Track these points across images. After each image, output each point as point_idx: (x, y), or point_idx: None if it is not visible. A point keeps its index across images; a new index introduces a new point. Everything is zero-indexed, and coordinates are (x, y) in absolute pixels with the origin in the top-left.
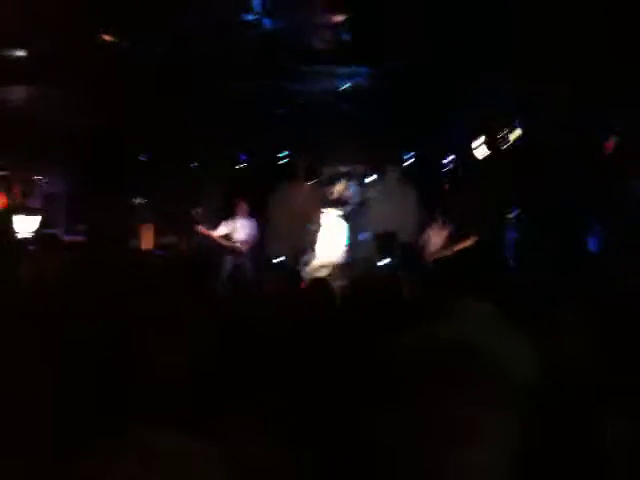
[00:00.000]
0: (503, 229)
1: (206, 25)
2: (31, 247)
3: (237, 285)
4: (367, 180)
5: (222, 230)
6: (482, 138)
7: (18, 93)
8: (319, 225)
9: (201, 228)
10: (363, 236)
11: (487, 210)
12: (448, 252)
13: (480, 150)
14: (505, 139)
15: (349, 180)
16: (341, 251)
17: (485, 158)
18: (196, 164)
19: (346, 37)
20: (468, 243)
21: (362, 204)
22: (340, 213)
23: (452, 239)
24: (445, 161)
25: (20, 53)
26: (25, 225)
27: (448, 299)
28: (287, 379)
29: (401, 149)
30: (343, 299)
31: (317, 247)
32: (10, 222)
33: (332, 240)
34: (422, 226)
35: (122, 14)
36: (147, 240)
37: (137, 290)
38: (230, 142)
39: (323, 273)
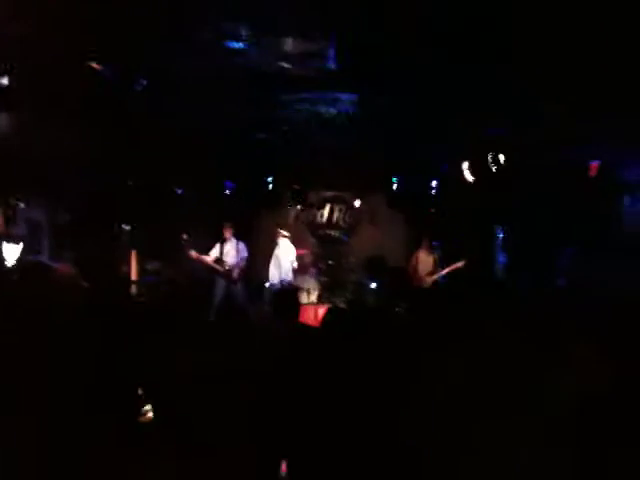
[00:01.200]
0: (491, 250)
1: (192, 52)
2: (15, 275)
3: (229, 313)
4: (354, 204)
5: (213, 254)
6: (466, 163)
7: (1, 120)
8: (276, 245)
9: (193, 253)
10: (352, 259)
11: (475, 232)
12: (436, 276)
13: (467, 174)
14: (495, 161)
15: (337, 204)
16: (285, 272)
17: (470, 181)
18: (181, 190)
19: (331, 65)
20: (458, 267)
21: (350, 227)
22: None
23: (441, 262)
24: (430, 185)
25: (3, 81)
26: (9, 253)
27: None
28: None
29: (387, 174)
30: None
31: (270, 267)
32: None
33: (281, 261)
34: (410, 249)
35: (108, 42)
36: (135, 267)
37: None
38: (216, 168)
39: (312, 297)
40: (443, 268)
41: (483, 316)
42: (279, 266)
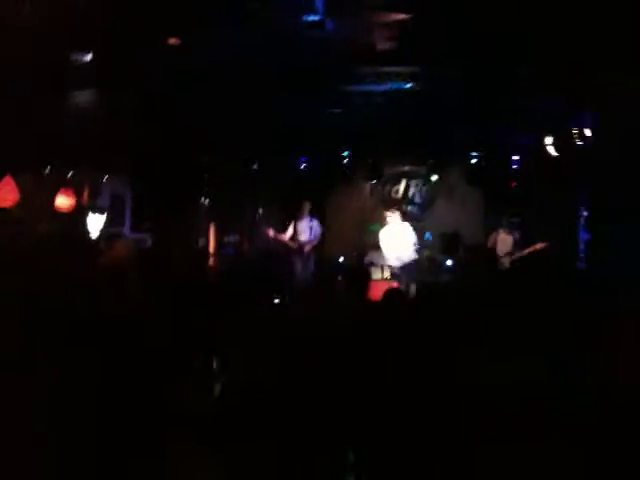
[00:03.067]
0: (575, 231)
1: (268, 25)
2: (100, 245)
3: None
4: (431, 180)
5: (289, 232)
6: (551, 138)
7: (85, 97)
8: (384, 225)
9: (271, 232)
10: (427, 236)
11: (558, 211)
12: (517, 255)
13: (550, 149)
14: (580, 136)
15: (412, 180)
16: (408, 252)
17: (554, 158)
18: (256, 166)
19: (409, 37)
20: (537, 249)
21: (425, 204)
22: (402, 214)
23: (521, 242)
24: (512, 160)
25: (87, 58)
26: (93, 224)
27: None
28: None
29: (466, 149)
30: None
31: (383, 247)
32: (80, 221)
33: (398, 241)
34: (487, 227)
35: (186, 17)
36: (213, 239)
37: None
38: (292, 144)
39: (386, 274)
40: (522, 249)
41: (559, 304)
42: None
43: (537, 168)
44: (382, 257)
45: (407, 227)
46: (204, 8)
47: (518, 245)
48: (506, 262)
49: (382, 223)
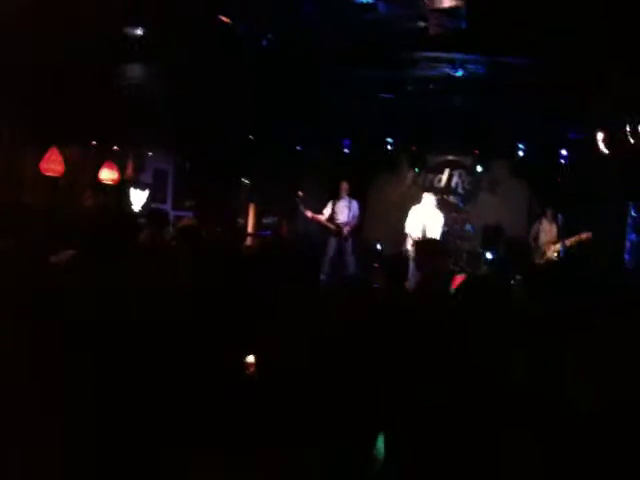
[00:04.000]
0: (621, 229)
1: (321, 8)
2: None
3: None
4: (475, 171)
5: (327, 212)
6: (601, 134)
7: (132, 71)
8: (417, 209)
9: (309, 213)
10: (468, 228)
11: (604, 207)
12: (558, 247)
13: (601, 145)
14: (634, 134)
15: (455, 170)
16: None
17: (604, 154)
18: (300, 147)
19: (462, 24)
20: (582, 238)
21: (468, 195)
22: (439, 200)
23: (564, 233)
24: (559, 154)
25: (137, 32)
26: (136, 199)
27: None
28: None
29: (513, 140)
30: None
31: (408, 225)
32: (124, 195)
33: (425, 223)
34: (531, 221)
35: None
36: (252, 220)
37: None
38: (336, 126)
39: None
40: (566, 238)
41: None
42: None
43: (586, 164)
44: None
45: (438, 214)
46: None
47: (562, 234)
48: (548, 252)
49: (417, 202)
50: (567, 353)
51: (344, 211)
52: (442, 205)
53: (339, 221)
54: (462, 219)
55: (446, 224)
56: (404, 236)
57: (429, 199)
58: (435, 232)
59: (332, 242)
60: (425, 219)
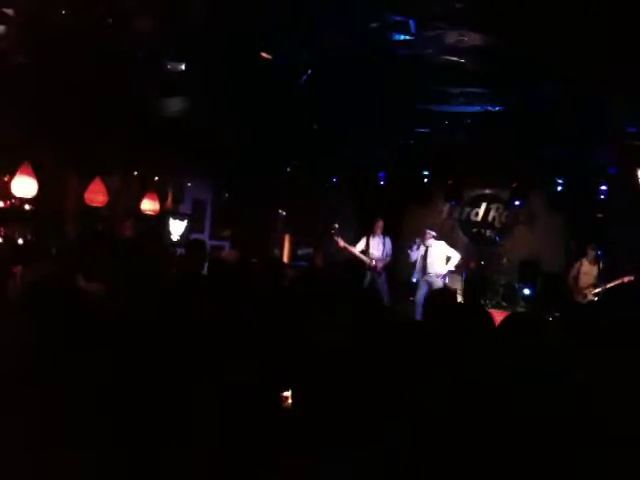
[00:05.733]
0: None
1: (359, 42)
2: (180, 250)
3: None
4: (513, 204)
5: (360, 246)
6: None
7: (174, 104)
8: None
9: (341, 242)
10: (505, 261)
11: None
12: (601, 289)
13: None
14: None
15: (493, 204)
16: (440, 275)
17: None
18: (335, 180)
19: (495, 60)
20: (626, 280)
21: (505, 229)
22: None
23: (606, 274)
24: (599, 189)
25: (179, 67)
26: (175, 228)
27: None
28: None
29: (550, 174)
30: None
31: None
32: (163, 225)
33: (435, 262)
34: (570, 257)
35: (278, 32)
36: (287, 250)
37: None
38: (372, 158)
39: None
40: (608, 282)
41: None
42: (424, 268)
43: (625, 199)
44: (458, 280)
45: (442, 245)
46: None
47: (603, 277)
48: (589, 294)
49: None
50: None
51: (379, 247)
52: (479, 239)
53: (373, 257)
54: (498, 253)
55: (483, 258)
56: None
57: (429, 237)
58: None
59: (367, 276)
60: (432, 256)
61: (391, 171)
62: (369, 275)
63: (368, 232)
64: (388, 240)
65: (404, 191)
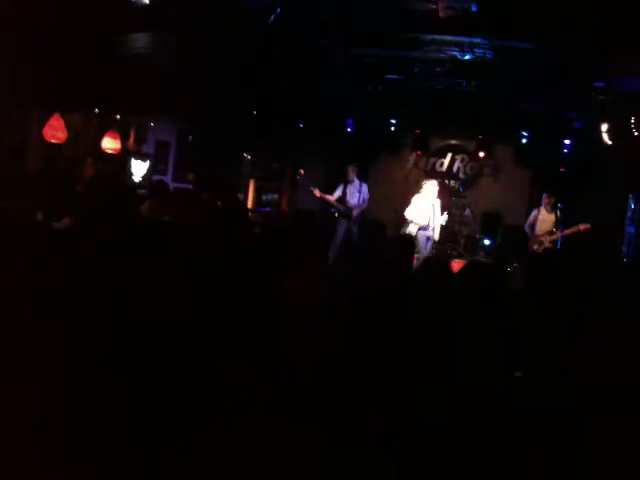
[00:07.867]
0: (621, 222)
1: None
2: (142, 191)
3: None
4: (478, 156)
5: (337, 194)
6: (606, 125)
7: (138, 40)
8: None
9: (317, 192)
10: (467, 212)
11: (604, 198)
12: (556, 237)
13: (605, 136)
14: (637, 126)
15: (458, 155)
16: (437, 224)
17: (608, 146)
18: (302, 124)
19: (473, 7)
20: (581, 229)
21: (469, 180)
22: (439, 188)
23: (562, 223)
24: (563, 143)
25: (144, 1)
26: (137, 169)
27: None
28: None
29: (517, 127)
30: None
31: (411, 215)
32: (125, 165)
33: (428, 211)
34: (531, 210)
35: None
36: (252, 196)
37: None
38: (341, 105)
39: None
40: (564, 229)
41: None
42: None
43: (588, 155)
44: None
45: (437, 204)
46: None
47: (560, 225)
48: (545, 241)
49: (419, 187)
50: (564, 341)
51: (355, 194)
52: (442, 189)
53: (350, 204)
54: (462, 204)
55: (445, 208)
56: (404, 219)
57: (432, 188)
58: (437, 220)
59: (342, 225)
60: (428, 207)
61: (359, 118)
62: (344, 225)
63: (345, 180)
64: (365, 186)
65: (372, 139)
